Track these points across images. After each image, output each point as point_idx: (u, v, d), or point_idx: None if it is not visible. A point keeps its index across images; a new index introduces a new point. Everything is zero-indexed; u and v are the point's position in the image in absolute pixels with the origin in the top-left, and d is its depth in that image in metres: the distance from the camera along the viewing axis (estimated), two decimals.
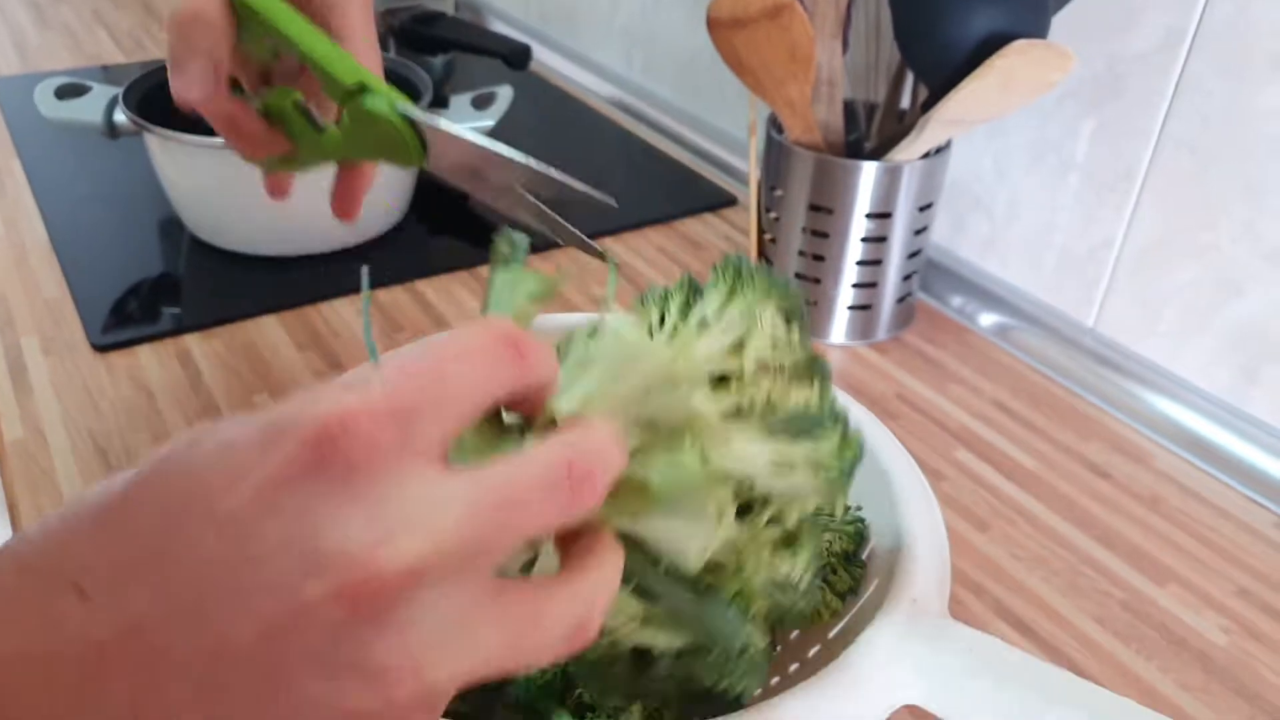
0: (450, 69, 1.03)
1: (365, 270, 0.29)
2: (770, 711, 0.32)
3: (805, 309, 0.34)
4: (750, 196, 0.72)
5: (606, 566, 0.25)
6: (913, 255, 0.69)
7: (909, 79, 0.67)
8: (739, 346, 0.32)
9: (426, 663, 0.20)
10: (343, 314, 0.70)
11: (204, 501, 0.20)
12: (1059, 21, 0.60)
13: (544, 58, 1.17)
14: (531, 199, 0.41)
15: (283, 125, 0.41)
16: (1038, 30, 0.57)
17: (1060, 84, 0.64)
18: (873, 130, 0.70)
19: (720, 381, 0.32)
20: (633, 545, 0.27)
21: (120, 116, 0.73)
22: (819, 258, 0.69)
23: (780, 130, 0.68)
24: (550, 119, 1.05)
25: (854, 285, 0.69)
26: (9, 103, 0.97)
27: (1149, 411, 0.63)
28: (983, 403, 0.65)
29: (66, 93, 0.75)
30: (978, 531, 0.55)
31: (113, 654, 0.19)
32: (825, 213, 0.67)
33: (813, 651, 0.41)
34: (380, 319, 0.70)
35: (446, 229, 0.81)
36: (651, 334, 0.33)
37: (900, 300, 0.71)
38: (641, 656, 0.32)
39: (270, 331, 0.67)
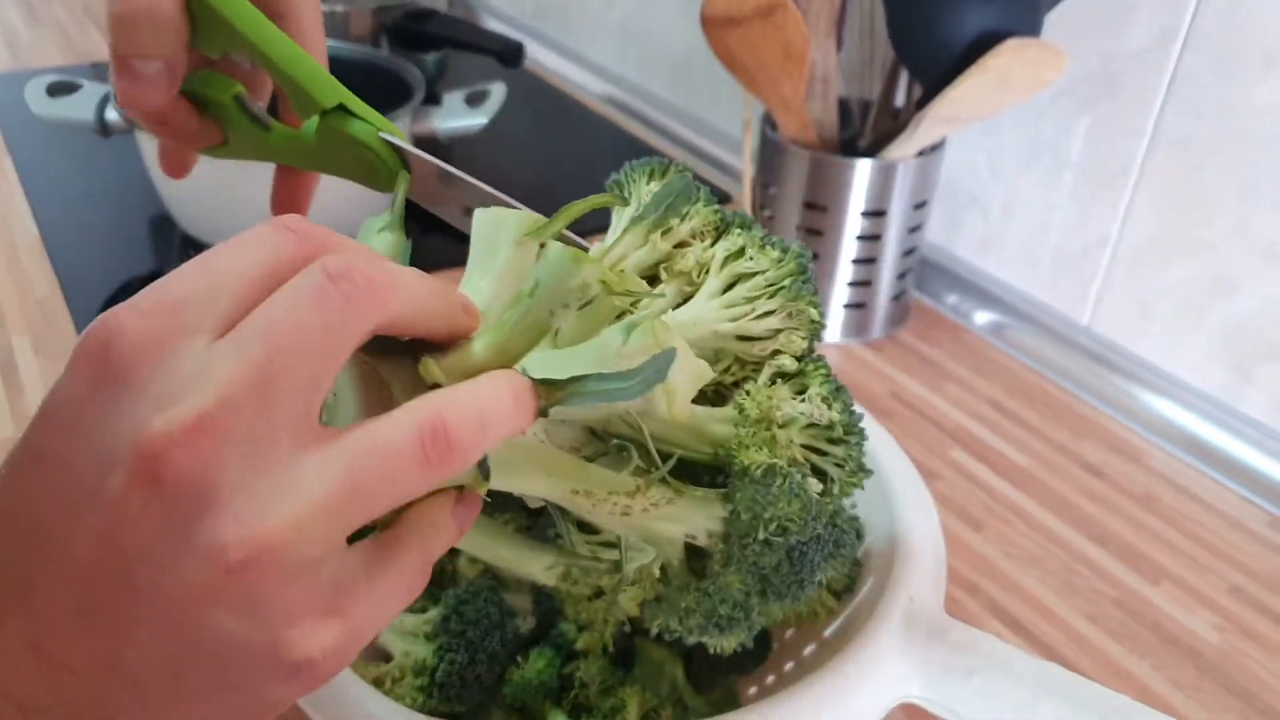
0: (443, 66, 1.03)
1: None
2: (770, 709, 0.32)
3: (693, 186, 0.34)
4: (744, 194, 0.72)
5: (478, 382, 0.24)
6: (907, 253, 0.69)
7: (903, 77, 0.67)
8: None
9: (253, 518, 0.20)
10: None
11: (29, 446, 0.21)
12: (1053, 20, 0.60)
13: (538, 54, 1.17)
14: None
15: (216, 115, 0.37)
16: (1031, 29, 0.57)
17: (1054, 82, 0.64)
18: (867, 128, 0.70)
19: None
20: (572, 389, 0.26)
21: (112, 114, 0.72)
22: (814, 255, 0.68)
23: (775, 128, 0.68)
24: (544, 116, 1.05)
25: (849, 283, 0.69)
26: (0, 100, 0.97)
27: (1143, 410, 0.63)
28: (978, 401, 0.65)
29: (58, 90, 0.74)
30: (972, 530, 0.55)
31: (1, 604, 0.21)
32: (820, 210, 0.67)
33: (808, 650, 0.41)
34: None
35: (437, 225, 0.81)
36: None
37: (895, 298, 0.71)
38: (695, 562, 0.31)
39: None
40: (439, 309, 0.24)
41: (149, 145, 0.72)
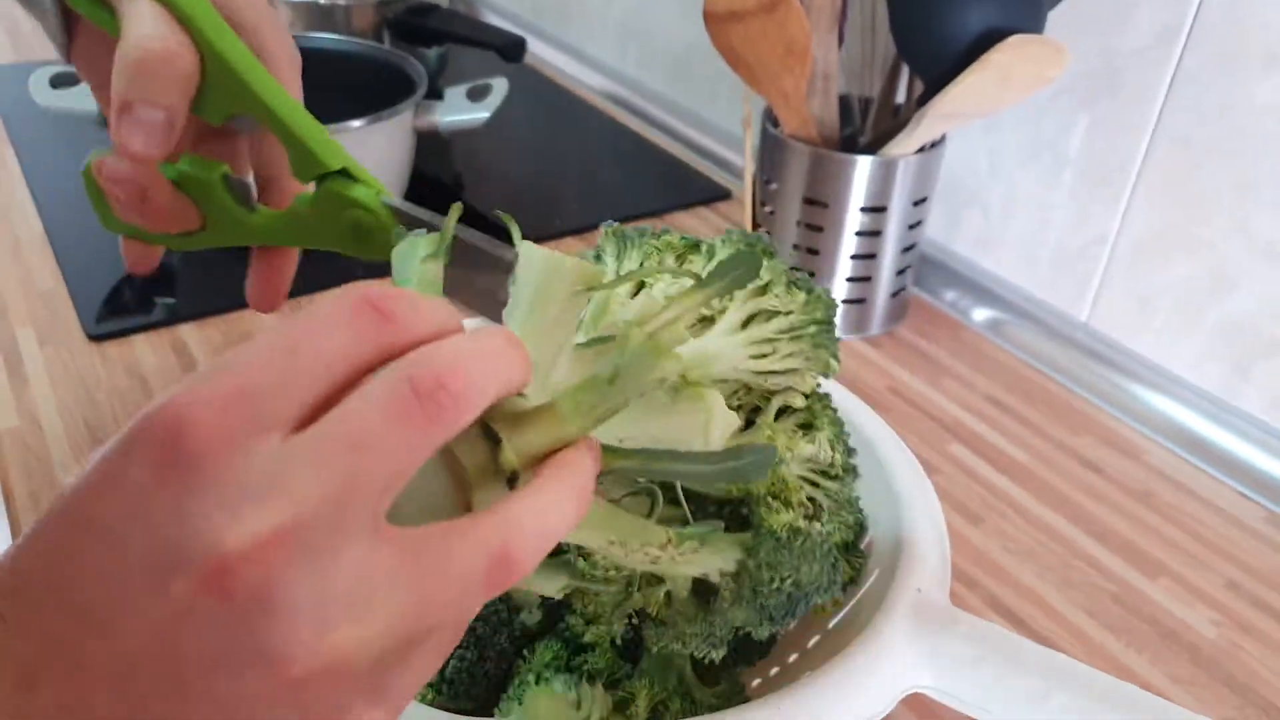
0: (444, 61, 1.03)
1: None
2: (784, 701, 0.32)
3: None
4: (745, 190, 0.72)
5: (542, 491, 0.23)
6: (907, 250, 0.70)
7: (904, 73, 0.68)
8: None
9: (321, 633, 0.20)
10: None
11: (82, 515, 0.20)
12: (1055, 17, 0.60)
13: (538, 50, 1.17)
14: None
15: (198, 198, 0.37)
16: (1033, 26, 0.57)
17: (1056, 79, 0.64)
18: (868, 124, 0.70)
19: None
20: (641, 461, 0.26)
21: None
22: (813, 251, 0.69)
23: (775, 124, 0.69)
24: (544, 112, 1.05)
25: (848, 279, 0.69)
26: (3, 92, 0.97)
27: (1141, 406, 0.64)
28: (976, 397, 0.65)
29: (61, 81, 0.74)
30: (971, 525, 0.55)
31: (37, 668, 0.20)
32: (820, 206, 0.67)
33: (812, 642, 0.42)
34: None
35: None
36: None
37: (894, 295, 0.71)
38: (700, 592, 0.31)
39: (264, 321, 0.67)
40: (518, 376, 0.23)
41: None
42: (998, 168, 0.71)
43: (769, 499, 0.31)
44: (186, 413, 0.20)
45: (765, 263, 0.34)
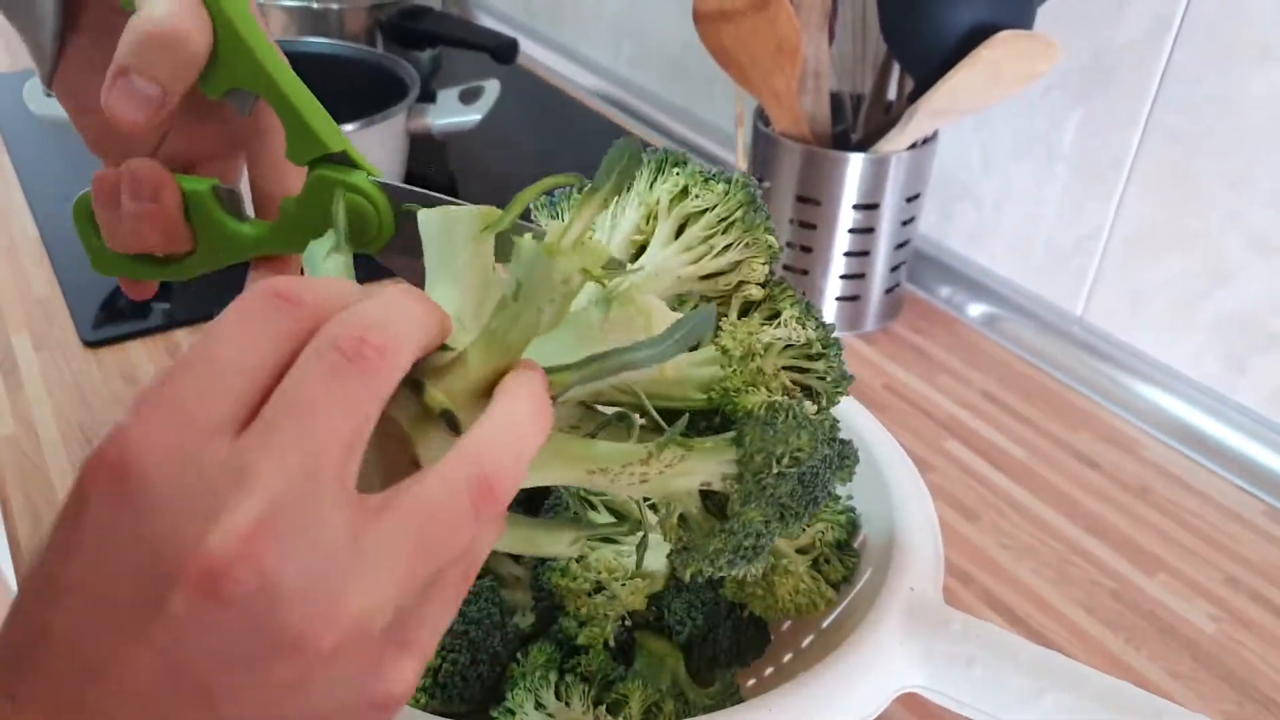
0: (438, 64, 1.03)
1: None
2: (776, 701, 0.32)
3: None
4: None
5: (496, 412, 0.23)
6: (900, 246, 0.69)
7: (895, 71, 0.68)
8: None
9: (334, 603, 0.20)
10: None
11: (55, 578, 0.20)
12: (1045, 12, 0.60)
13: (531, 51, 1.17)
14: None
15: (190, 213, 0.36)
16: (1023, 21, 0.57)
17: (1047, 75, 0.64)
18: (859, 122, 0.70)
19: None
20: (590, 368, 0.26)
21: None
22: (806, 249, 0.69)
23: (767, 122, 0.69)
24: (538, 112, 1.05)
25: (842, 276, 0.69)
26: None
27: (1137, 401, 0.64)
28: (972, 393, 0.65)
29: None
30: (967, 522, 0.55)
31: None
32: (812, 204, 0.67)
33: (806, 641, 0.42)
34: None
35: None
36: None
37: (888, 291, 0.71)
38: (713, 507, 0.31)
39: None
40: (435, 330, 0.24)
41: None
42: (990, 163, 0.71)
43: (746, 389, 0.30)
44: (125, 443, 0.20)
45: (681, 168, 0.33)
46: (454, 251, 0.28)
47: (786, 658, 0.42)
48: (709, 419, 0.32)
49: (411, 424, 0.24)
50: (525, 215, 0.35)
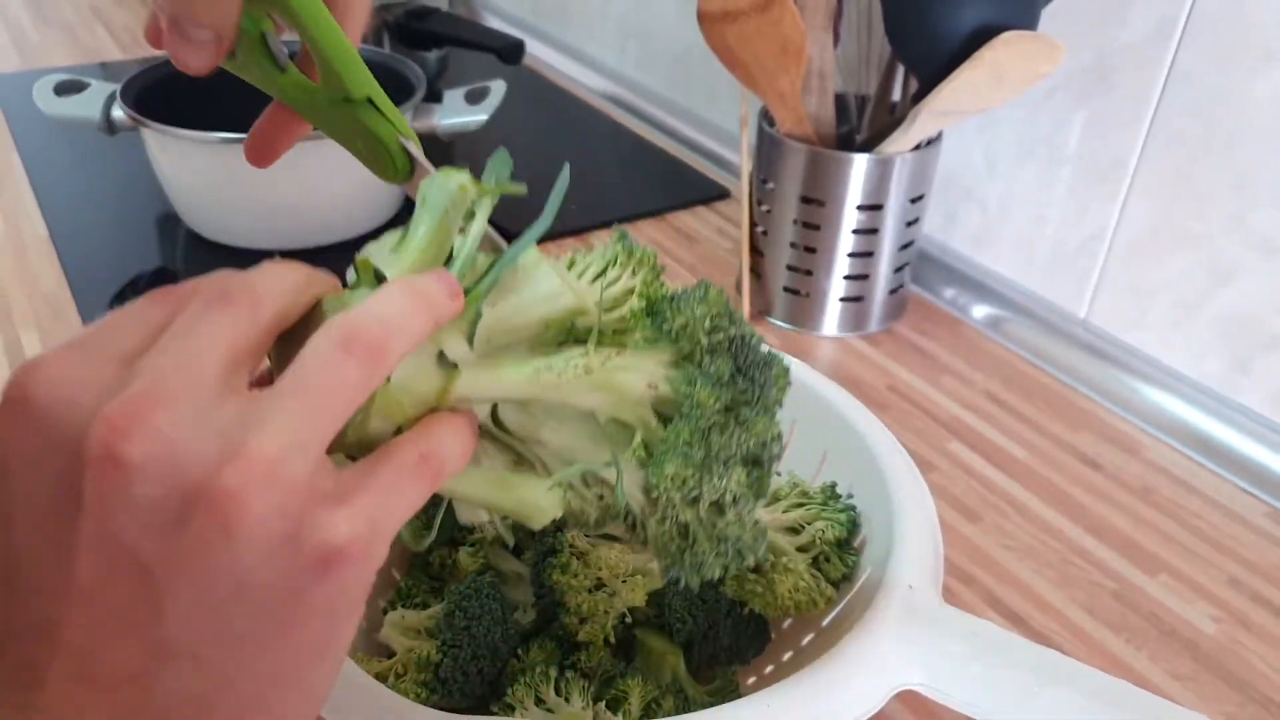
0: (444, 64, 1.03)
1: None
2: (773, 697, 0.32)
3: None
4: (742, 189, 0.72)
5: (368, 300, 0.25)
6: (904, 247, 0.69)
7: (900, 72, 0.68)
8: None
9: (233, 452, 0.21)
10: None
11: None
12: (1049, 13, 0.60)
13: (537, 51, 1.17)
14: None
15: (238, 46, 0.36)
16: (1027, 22, 0.57)
17: (1051, 76, 0.64)
18: (864, 123, 0.70)
19: None
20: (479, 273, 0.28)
21: (118, 112, 0.73)
22: (810, 250, 0.69)
23: (772, 123, 0.69)
24: (544, 113, 1.05)
25: (845, 277, 0.69)
26: (8, 99, 0.98)
27: (1140, 402, 0.64)
28: (974, 394, 0.65)
29: (65, 89, 0.75)
30: (969, 522, 0.55)
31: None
32: (817, 205, 0.67)
33: (806, 640, 0.42)
34: None
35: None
36: None
37: (892, 292, 0.71)
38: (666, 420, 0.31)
39: None
40: (315, 288, 0.26)
41: (154, 143, 0.72)
42: (995, 165, 0.71)
43: (654, 283, 0.31)
44: (27, 365, 0.22)
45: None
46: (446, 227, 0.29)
47: (787, 656, 0.43)
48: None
49: None
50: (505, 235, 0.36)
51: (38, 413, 0.21)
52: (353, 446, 0.26)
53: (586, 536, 0.41)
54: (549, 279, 0.29)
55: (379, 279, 0.27)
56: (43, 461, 0.21)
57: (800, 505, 0.42)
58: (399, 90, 0.78)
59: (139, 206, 0.80)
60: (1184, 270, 0.61)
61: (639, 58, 1.05)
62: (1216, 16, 0.56)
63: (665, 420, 0.30)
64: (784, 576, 0.38)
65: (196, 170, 0.72)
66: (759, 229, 0.72)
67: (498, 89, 0.81)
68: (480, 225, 0.29)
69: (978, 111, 0.62)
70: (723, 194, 0.89)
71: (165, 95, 0.74)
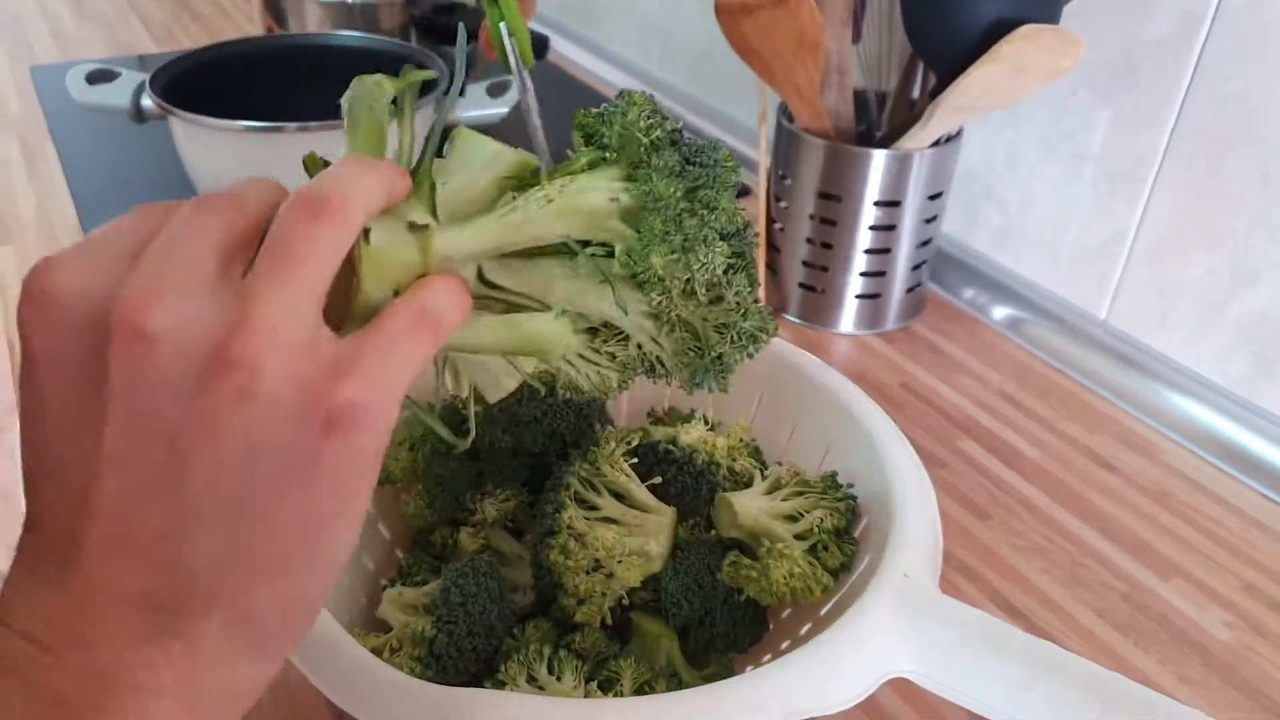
0: (472, 60, 1.04)
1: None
2: (760, 679, 0.32)
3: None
4: (759, 184, 0.72)
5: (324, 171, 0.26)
6: (922, 244, 0.69)
7: (920, 68, 0.67)
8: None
9: (239, 321, 0.22)
10: None
11: (24, 417, 0.24)
12: (1072, 8, 0.59)
13: (562, 49, 1.18)
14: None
15: None
16: (1049, 16, 0.57)
17: (1074, 72, 0.63)
18: (883, 119, 0.70)
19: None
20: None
21: (147, 101, 0.74)
22: (827, 246, 0.68)
23: (791, 118, 0.68)
24: (567, 109, 1.05)
25: (862, 274, 0.69)
26: (46, 89, 1.00)
27: (1160, 405, 0.63)
28: (989, 394, 0.65)
29: (97, 78, 0.76)
30: (977, 520, 0.55)
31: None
32: (834, 200, 0.67)
33: (805, 629, 0.42)
34: None
35: None
36: None
37: (909, 290, 0.70)
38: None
39: None
40: (275, 195, 0.27)
41: (182, 131, 0.74)
42: (1016, 162, 0.70)
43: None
44: (42, 278, 0.23)
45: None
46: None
47: (784, 645, 0.42)
48: None
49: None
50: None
51: (57, 303, 0.23)
52: (359, 318, 0.27)
53: (585, 518, 0.41)
54: (486, 144, 0.31)
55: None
56: (65, 346, 0.23)
57: (800, 494, 0.42)
58: (422, 84, 0.79)
59: (166, 194, 0.82)
60: (1207, 270, 0.60)
61: (662, 55, 1.05)
62: (1244, 11, 0.55)
63: (638, 231, 0.30)
64: (779, 563, 0.38)
65: (222, 158, 0.73)
66: (776, 225, 0.71)
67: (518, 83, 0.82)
68: (409, 116, 0.30)
69: (997, 107, 0.62)
70: (744, 191, 0.88)
71: (193, 85, 0.76)
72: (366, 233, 0.27)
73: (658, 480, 0.43)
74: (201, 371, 0.22)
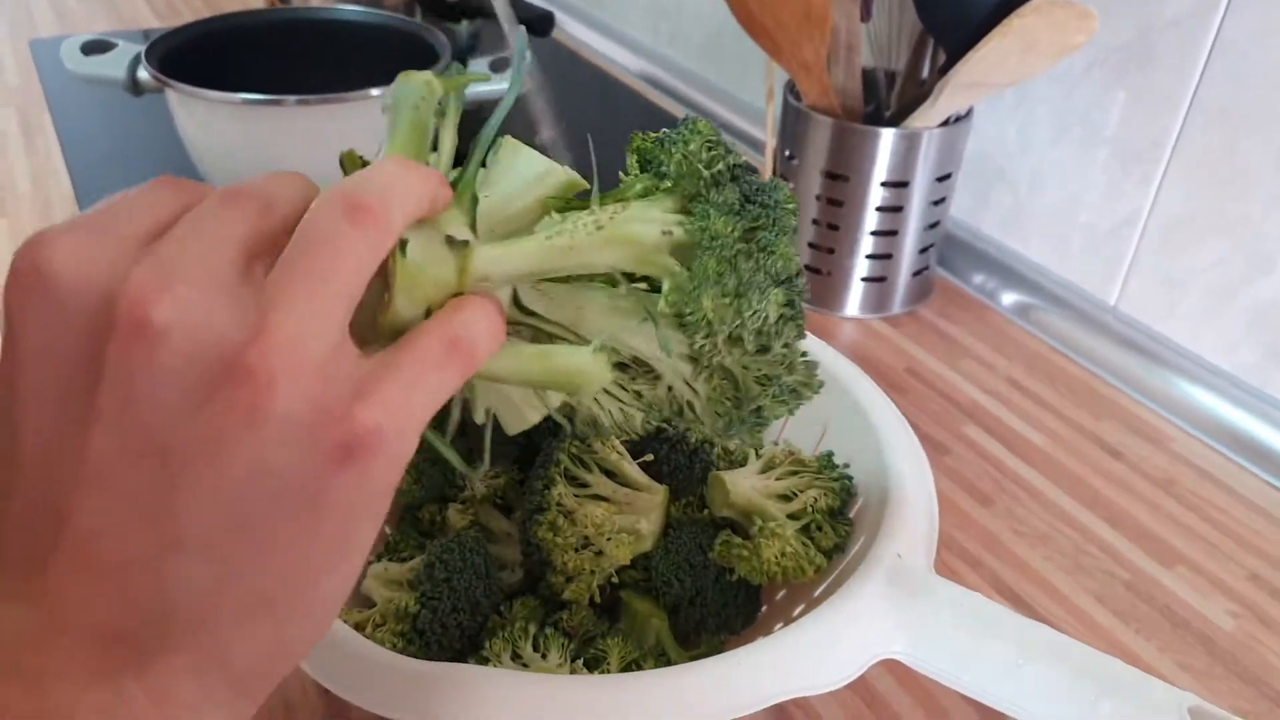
0: (476, 38, 1.03)
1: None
2: (749, 659, 0.31)
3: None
4: (766, 163, 0.70)
5: (366, 170, 0.24)
6: (930, 227, 0.68)
7: (930, 47, 0.66)
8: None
9: (253, 328, 0.20)
10: None
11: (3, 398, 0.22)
12: None
13: (571, 29, 1.17)
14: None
15: None
16: None
17: (1088, 52, 0.62)
18: (892, 98, 0.68)
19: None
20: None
21: (143, 73, 0.74)
22: (833, 227, 0.67)
23: (798, 97, 0.67)
24: (575, 89, 1.04)
25: (868, 256, 0.67)
26: (44, 62, 0.99)
27: (1169, 393, 0.61)
28: (995, 379, 0.63)
29: (92, 49, 0.76)
30: (980, 506, 0.54)
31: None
32: (841, 181, 0.66)
33: (798, 610, 0.41)
34: None
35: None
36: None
37: (916, 274, 0.69)
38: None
39: None
40: (311, 195, 0.25)
41: (178, 104, 0.73)
42: (1028, 144, 0.69)
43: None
44: (36, 253, 0.21)
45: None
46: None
47: (778, 626, 0.41)
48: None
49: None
50: None
51: (53, 286, 0.20)
52: (386, 336, 0.24)
53: (575, 495, 0.40)
54: (535, 160, 0.29)
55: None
56: (58, 336, 0.20)
57: (794, 473, 0.41)
58: (425, 58, 0.78)
59: (164, 169, 0.81)
60: (1220, 257, 0.59)
61: (671, 36, 1.04)
62: None
63: (689, 269, 0.28)
64: (771, 542, 0.37)
65: (220, 132, 0.72)
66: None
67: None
68: (454, 120, 0.28)
69: (1008, 85, 0.60)
70: (749, 171, 0.87)
71: (190, 57, 0.75)
72: (403, 244, 0.25)
73: (650, 458, 0.43)
74: (210, 380, 0.20)
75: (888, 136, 0.63)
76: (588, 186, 0.29)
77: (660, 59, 1.05)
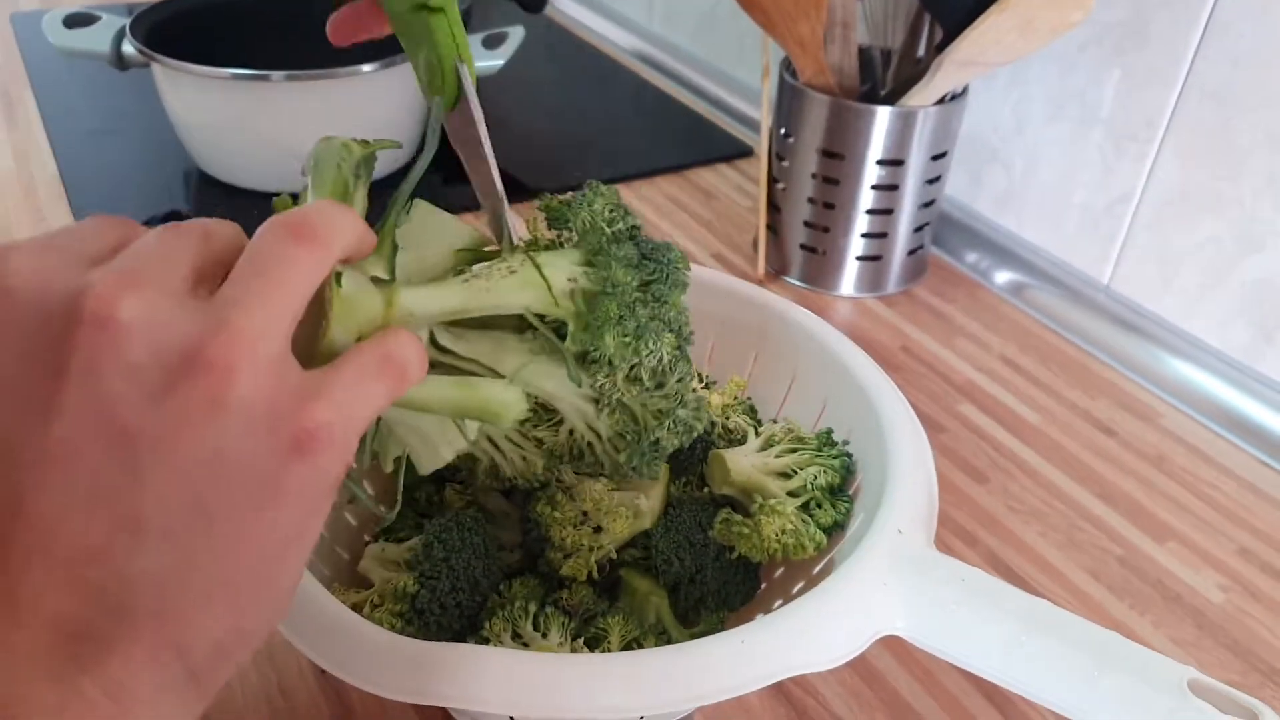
0: (469, 14, 1.02)
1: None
2: (749, 636, 0.31)
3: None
4: (761, 141, 0.70)
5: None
6: (925, 206, 0.68)
7: (926, 25, 0.65)
8: None
9: (214, 324, 0.21)
10: None
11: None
12: None
13: (564, 6, 1.15)
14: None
15: None
16: None
17: (1083, 30, 0.62)
18: (888, 77, 0.68)
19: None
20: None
21: (128, 47, 0.72)
22: (829, 206, 0.67)
23: (794, 75, 0.67)
24: (569, 66, 1.03)
25: (864, 235, 0.67)
26: (26, 37, 0.98)
27: (1161, 370, 0.62)
28: (990, 358, 0.64)
29: (75, 22, 0.74)
30: (975, 483, 0.54)
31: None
32: (836, 158, 0.65)
33: (797, 588, 0.41)
34: None
35: (458, 169, 0.80)
36: None
37: (911, 253, 0.69)
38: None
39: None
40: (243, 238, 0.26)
41: (165, 79, 0.72)
42: (1022, 123, 0.69)
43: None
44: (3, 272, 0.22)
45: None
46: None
47: (777, 604, 0.42)
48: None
49: None
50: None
51: (9, 289, 0.21)
52: (321, 359, 0.26)
53: (575, 472, 0.40)
54: (447, 219, 0.32)
55: None
56: (15, 334, 0.21)
57: (793, 450, 0.41)
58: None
59: (150, 146, 0.80)
60: (1212, 235, 0.59)
61: (665, 14, 1.03)
62: None
63: (594, 312, 0.32)
64: (771, 519, 0.37)
65: (207, 108, 0.72)
66: (778, 184, 0.70)
67: (516, 35, 0.80)
68: (366, 180, 0.31)
69: (1003, 63, 0.60)
70: (745, 152, 0.87)
71: (177, 32, 0.74)
72: (338, 276, 0.27)
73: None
74: (173, 370, 0.21)
75: (883, 114, 0.63)
76: (496, 245, 0.33)
77: (654, 37, 1.04)
